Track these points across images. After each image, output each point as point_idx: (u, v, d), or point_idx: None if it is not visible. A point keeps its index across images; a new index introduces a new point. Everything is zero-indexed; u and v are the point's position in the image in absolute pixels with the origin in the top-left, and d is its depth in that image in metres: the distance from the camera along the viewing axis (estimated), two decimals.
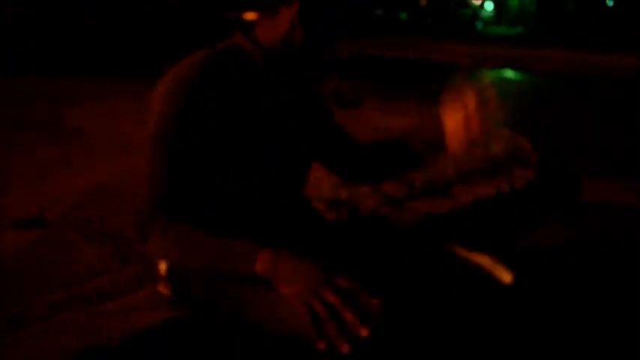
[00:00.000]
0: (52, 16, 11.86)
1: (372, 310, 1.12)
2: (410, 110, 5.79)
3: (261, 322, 1.27)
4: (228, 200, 1.32)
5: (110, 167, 3.27)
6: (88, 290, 1.99)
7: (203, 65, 1.22)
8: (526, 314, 2.13)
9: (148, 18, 13.03)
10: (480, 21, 26.04)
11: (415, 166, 1.62)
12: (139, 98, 1.28)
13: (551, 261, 2.74)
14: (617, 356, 2.03)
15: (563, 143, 5.20)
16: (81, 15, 12.45)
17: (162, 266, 1.43)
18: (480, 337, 1.44)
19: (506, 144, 4.17)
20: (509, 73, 10.98)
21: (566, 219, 3.29)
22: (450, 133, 1.45)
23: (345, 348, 1.06)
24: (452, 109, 1.45)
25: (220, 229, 1.22)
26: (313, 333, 1.11)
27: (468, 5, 28.06)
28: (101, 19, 12.46)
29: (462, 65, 11.62)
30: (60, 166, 3.40)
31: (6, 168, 3.28)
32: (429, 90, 7.99)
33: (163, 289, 1.50)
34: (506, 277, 1.44)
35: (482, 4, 23.85)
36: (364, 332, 1.07)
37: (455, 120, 1.44)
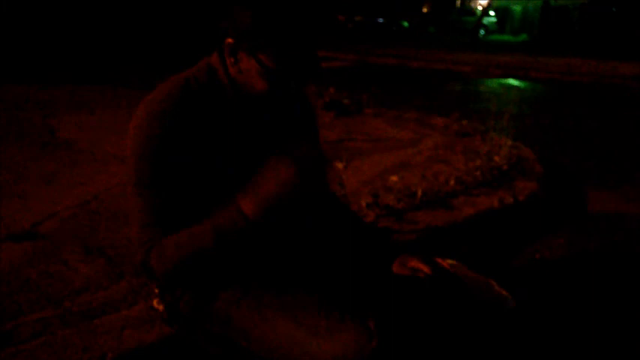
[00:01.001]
0: (48, 25, 11.90)
1: None
2: (410, 120, 5.77)
3: (249, 343, 1.27)
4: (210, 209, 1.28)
5: (103, 180, 3.23)
6: (81, 306, 1.95)
7: (175, 98, 1.24)
8: (529, 331, 2.11)
9: (146, 29, 13.09)
10: (482, 29, 26.10)
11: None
12: (134, 110, 1.26)
13: (555, 272, 2.71)
14: None
15: (567, 153, 5.17)
16: (77, 24, 12.50)
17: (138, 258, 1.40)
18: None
19: (509, 154, 4.13)
20: (513, 82, 10.96)
21: (570, 230, 3.26)
22: None
23: None
24: None
25: None
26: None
27: (471, 13, 28.12)
28: (98, 29, 12.52)
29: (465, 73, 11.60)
30: (52, 178, 3.34)
31: None
32: (429, 99, 8.01)
33: (157, 304, 1.47)
34: (508, 301, 1.44)
35: (485, 12, 23.89)
36: None
37: None
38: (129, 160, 1.25)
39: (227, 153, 1.28)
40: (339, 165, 2.92)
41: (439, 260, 1.48)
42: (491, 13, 28.00)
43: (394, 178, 3.32)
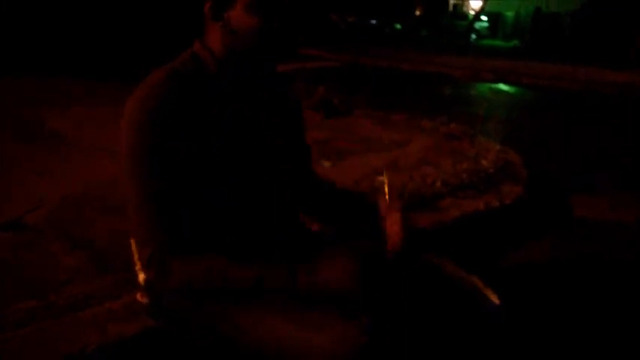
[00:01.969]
0: (46, 18, 11.86)
1: None
2: (399, 122, 5.80)
3: (237, 336, 1.25)
4: (216, 213, 1.29)
5: (91, 173, 3.23)
6: (66, 297, 1.96)
7: (162, 90, 1.21)
8: (514, 332, 2.14)
9: (143, 23, 13.05)
10: (474, 33, 26.22)
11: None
12: (123, 105, 1.26)
13: (539, 276, 2.74)
14: None
15: (555, 159, 5.22)
16: (75, 17, 12.45)
17: (141, 276, 1.39)
18: (466, 356, 1.43)
19: (496, 158, 4.17)
20: (503, 87, 11.04)
21: (555, 235, 3.29)
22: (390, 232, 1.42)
23: None
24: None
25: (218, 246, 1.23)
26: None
27: (463, 18, 28.25)
28: (96, 22, 12.47)
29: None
30: (40, 171, 3.35)
31: None
32: (420, 101, 8.03)
33: (142, 297, 1.47)
34: (493, 298, 1.43)
35: (477, 16, 24.01)
36: None
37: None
38: (125, 157, 1.21)
39: (220, 144, 1.27)
40: (326, 164, 2.94)
41: (427, 256, 1.50)
42: (484, 17, 28.11)
43: (381, 178, 3.34)
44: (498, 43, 25.14)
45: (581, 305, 2.47)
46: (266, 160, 1.38)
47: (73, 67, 7.67)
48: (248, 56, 1.27)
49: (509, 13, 28.04)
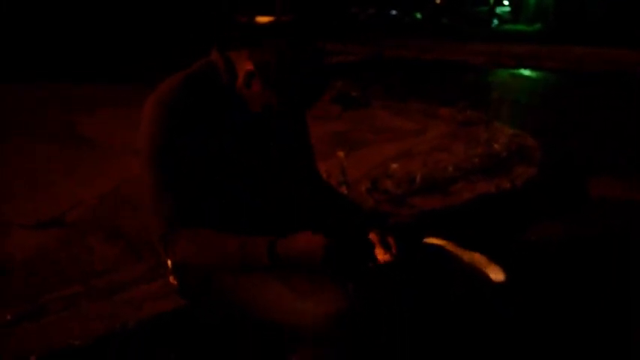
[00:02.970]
0: (67, 22, 12.10)
1: None
2: (417, 111, 5.88)
3: (244, 306, 1.41)
4: (231, 209, 1.44)
5: (120, 171, 3.44)
6: (105, 283, 2.16)
7: (179, 88, 1.36)
8: (521, 311, 2.22)
9: (165, 26, 13.26)
10: (496, 19, 25.88)
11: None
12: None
13: (551, 257, 2.82)
14: (615, 354, 2.07)
15: (576, 141, 5.22)
16: (97, 21, 12.70)
17: (169, 261, 1.55)
18: (473, 334, 1.53)
19: (510, 142, 4.25)
20: (525, 72, 10.94)
21: (570, 214, 3.36)
22: None
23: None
24: None
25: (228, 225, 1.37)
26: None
27: (485, 3, 27.86)
28: (111, 25, 12.69)
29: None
30: (74, 170, 3.58)
31: (26, 174, 3.48)
32: (439, 90, 8.00)
33: (173, 280, 1.61)
34: (498, 275, 1.50)
35: (498, 1, 23.61)
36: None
37: None
38: (142, 154, 1.37)
39: (234, 144, 1.41)
40: (341, 153, 3.08)
41: (430, 239, 1.61)
42: (505, 2, 27.73)
43: (395, 165, 3.47)
44: (521, 27, 24.72)
45: (591, 285, 2.51)
46: (284, 162, 1.52)
47: (94, 72, 7.77)
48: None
49: None
